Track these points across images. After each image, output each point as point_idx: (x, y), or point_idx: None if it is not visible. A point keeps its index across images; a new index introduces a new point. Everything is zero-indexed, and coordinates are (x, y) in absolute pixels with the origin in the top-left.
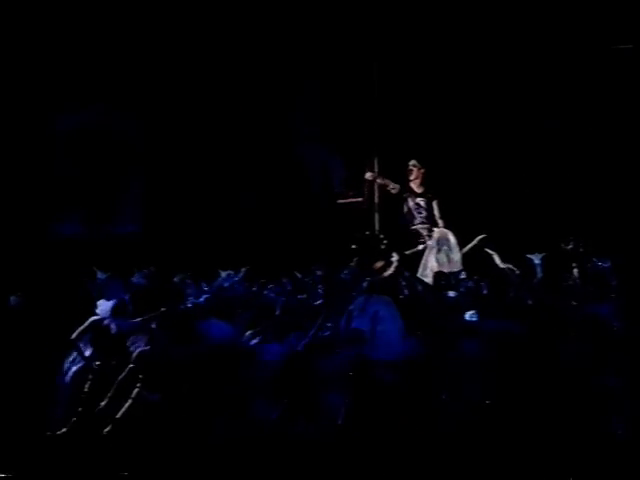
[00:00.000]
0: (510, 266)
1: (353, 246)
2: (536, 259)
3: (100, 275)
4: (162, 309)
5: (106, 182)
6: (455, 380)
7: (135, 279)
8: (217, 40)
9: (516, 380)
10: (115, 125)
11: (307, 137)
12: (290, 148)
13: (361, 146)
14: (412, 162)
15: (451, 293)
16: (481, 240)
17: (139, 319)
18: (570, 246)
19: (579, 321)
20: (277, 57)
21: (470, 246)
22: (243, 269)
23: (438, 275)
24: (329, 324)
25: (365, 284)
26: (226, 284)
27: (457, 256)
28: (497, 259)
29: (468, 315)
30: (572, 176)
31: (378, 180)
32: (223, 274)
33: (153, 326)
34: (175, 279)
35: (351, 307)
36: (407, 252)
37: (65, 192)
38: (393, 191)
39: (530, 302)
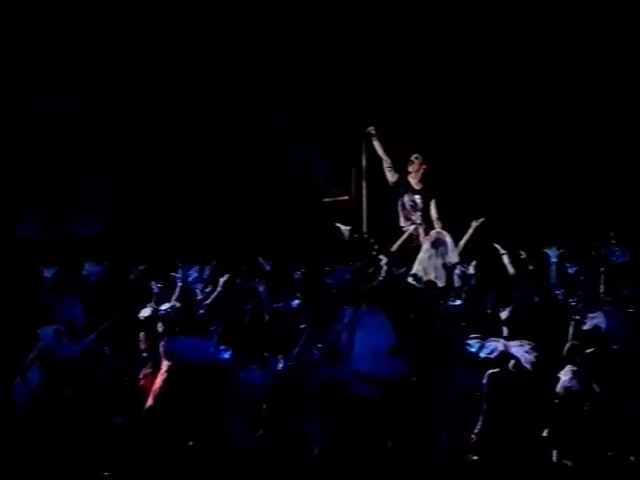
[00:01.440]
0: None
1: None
2: (553, 255)
3: (47, 274)
4: (115, 317)
5: (68, 178)
6: (449, 407)
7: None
8: (190, 24)
9: (516, 410)
10: (78, 117)
11: (289, 130)
12: (270, 142)
13: (348, 141)
14: (415, 155)
15: (451, 301)
16: (478, 228)
17: (91, 337)
18: (598, 246)
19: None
20: (256, 42)
21: (467, 237)
22: (211, 265)
23: (430, 285)
24: (315, 342)
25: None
26: (191, 279)
27: (454, 258)
28: (506, 259)
29: (451, 302)
30: (575, 173)
31: (376, 144)
32: (191, 270)
33: (106, 350)
34: (132, 276)
35: (340, 320)
36: (394, 249)
37: (24, 189)
38: (387, 171)
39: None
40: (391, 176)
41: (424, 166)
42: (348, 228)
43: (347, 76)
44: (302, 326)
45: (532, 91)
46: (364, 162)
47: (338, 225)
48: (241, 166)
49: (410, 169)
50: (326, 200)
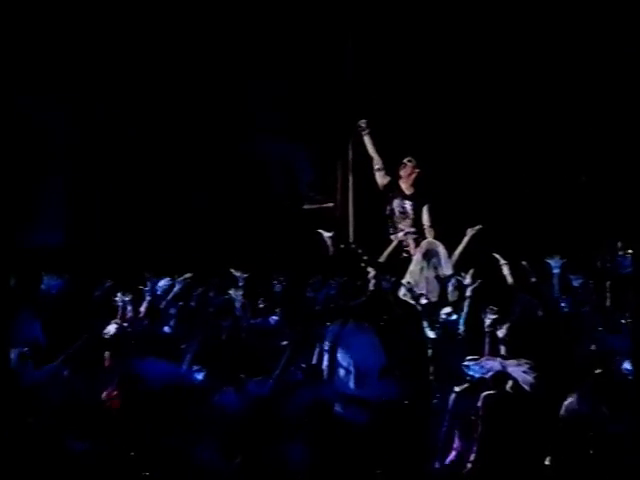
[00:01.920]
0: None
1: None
2: (555, 264)
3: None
4: (84, 338)
5: (25, 184)
6: (443, 432)
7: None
8: (157, 11)
9: (515, 435)
10: (35, 121)
11: (267, 130)
12: (247, 143)
13: (333, 141)
14: (408, 158)
15: (445, 317)
16: (475, 236)
17: (58, 361)
18: (605, 255)
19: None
20: (230, 30)
21: (462, 246)
22: (181, 278)
23: (422, 299)
24: (297, 362)
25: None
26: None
27: (448, 270)
28: (506, 270)
29: (444, 313)
30: (581, 177)
31: (367, 140)
32: (161, 282)
33: (66, 373)
34: (97, 292)
35: (324, 338)
36: (382, 260)
37: None
38: (377, 173)
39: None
40: (381, 178)
41: (417, 170)
42: (330, 234)
43: (332, 70)
44: (282, 344)
45: (532, 88)
46: (351, 165)
47: (320, 231)
48: (213, 168)
49: (402, 173)
50: (308, 207)
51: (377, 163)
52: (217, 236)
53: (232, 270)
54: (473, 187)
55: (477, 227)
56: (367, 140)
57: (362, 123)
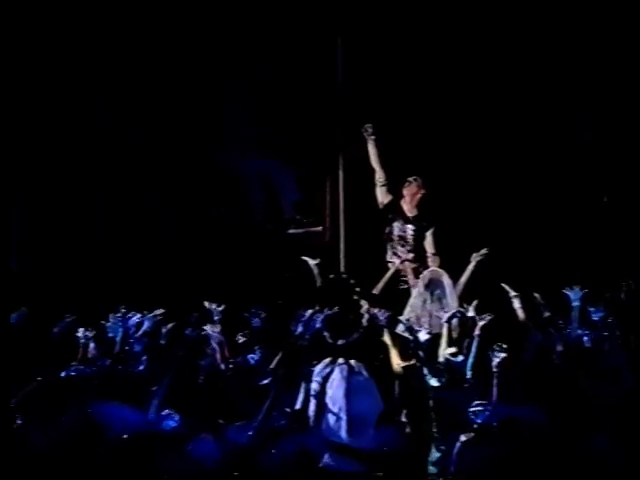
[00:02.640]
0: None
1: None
2: (574, 296)
3: None
4: (38, 382)
5: None
6: None
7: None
8: (130, 17)
9: None
10: None
11: (246, 144)
12: (222, 158)
13: (321, 156)
14: (414, 177)
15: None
16: (481, 263)
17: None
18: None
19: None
20: (208, 32)
21: (467, 274)
22: (152, 314)
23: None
24: (281, 406)
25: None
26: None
27: (453, 303)
28: (517, 304)
29: (448, 355)
30: (602, 198)
31: (371, 149)
32: (129, 318)
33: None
34: (56, 329)
35: (311, 379)
36: (378, 291)
37: None
38: (379, 189)
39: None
40: (383, 196)
41: (422, 191)
42: (316, 262)
43: (319, 75)
44: (264, 384)
45: (541, 100)
46: (342, 183)
47: (305, 259)
48: (185, 188)
49: (405, 192)
50: (293, 231)
51: (380, 177)
52: (190, 264)
53: (206, 303)
54: (481, 208)
55: (483, 252)
56: (371, 148)
57: (368, 127)
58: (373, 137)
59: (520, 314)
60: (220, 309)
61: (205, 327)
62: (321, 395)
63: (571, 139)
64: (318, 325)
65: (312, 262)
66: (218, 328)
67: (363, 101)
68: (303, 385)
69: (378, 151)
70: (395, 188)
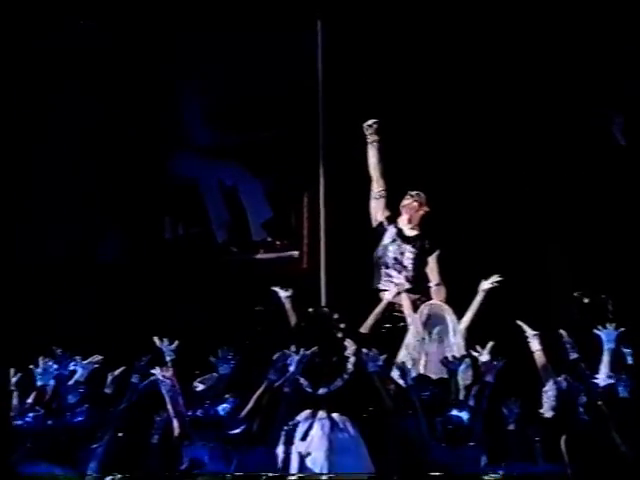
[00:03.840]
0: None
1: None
2: (608, 337)
3: None
4: None
5: None
6: None
7: None
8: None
9: None
10: None
11: (204, 149)
12: (175, 167)
13: (297, 163)
14: (416, 192)
15: (454, 410)
16: (491, 294)
17: None
18: None
19: None
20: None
21: (475, 307)
22: (88, 361)
23: (422, 383)
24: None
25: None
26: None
27: (457, 344)
28: (535, 344)
29: (456, 416)
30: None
31: (372, 152)
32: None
33: None
34: None
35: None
36: (367, 328)
37: None
38: (376, 201)
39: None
40: (379, 211)
41: (425, 208)
42: (289, 293)
43: (295, 66)
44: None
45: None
46: (322, 198)
47: (276, 290)
48: (131, 202)
49: (404, 208)
50: (263, 256)
51: (378, 187)
52: (139, 295)
53: (156, 339)
54: (495, 228)
55: (494, 279)
56: (372, 152)
57: (372, 124)
58: (377, 138)
59: (539, 357)
60: (173, 347)
61: (153, 371)
62: (300, 453)
63: (598, 152)
64: (294, 370)
65: (284, 294)
66: (170, 372)
67: (350, 96)
68: (281, 442)
69: (380, 156)
70: (394, 202)
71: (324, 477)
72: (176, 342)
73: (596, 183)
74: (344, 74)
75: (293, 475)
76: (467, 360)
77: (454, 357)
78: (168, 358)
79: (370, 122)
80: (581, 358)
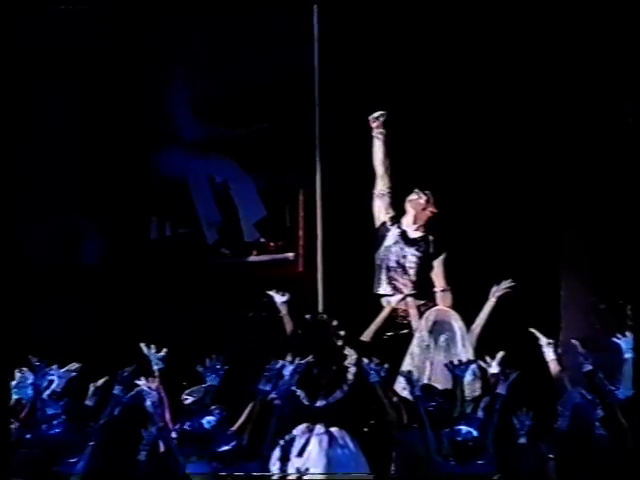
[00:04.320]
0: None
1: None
2: (627, 345)
3: None
4: None
5: None
6: None
7: None
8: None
9: None
10: None
11: (189, 141)
12: (160, 162)
13: (292, 159)
14: (426, 191)
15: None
16: (503, 300)
17: None
18: None
19: None
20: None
21: (486, 314)
22: (65, 368)
23: (428, 393)
24: None
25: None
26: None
27: (465, 353)
28: (550, 354)
29: (464, 430)
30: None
31: (378, 145)
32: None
33: None
34: None
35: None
36: (368, 337)
37: None
38: (379, 200)
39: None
40: (382, 210)
41: (431, 208)
42: (285, 298)
43: (289, 53)
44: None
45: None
46: (319, 197)
47: (271, 294)
48: (113, 200)
49: (409, 207)
50: (256, 259)
51: (383, 185)
52: (123, 300)
53: (143, 346)
54: (507, 229)
55: (506, 284)
56: (378, 146)
57: (379, 116)
58: (383, 131)
59: (554, 367)
60: (161, 355)
61: (138, 381)
62: (296, 470)
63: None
64: (288, 381)
65: (280, 299)
66: (156, 383)
67: (349, 86)
68: (276, 459)
69: (387, 151)
70: (399, 201)
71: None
72: (164, 350)
73: (613, 182)
74: (342, 63)
75: (293, 475)
76: (475, 369)
77: (460, 361)
78: (156, 367)
79: (377, 114)
80: (596, 370)
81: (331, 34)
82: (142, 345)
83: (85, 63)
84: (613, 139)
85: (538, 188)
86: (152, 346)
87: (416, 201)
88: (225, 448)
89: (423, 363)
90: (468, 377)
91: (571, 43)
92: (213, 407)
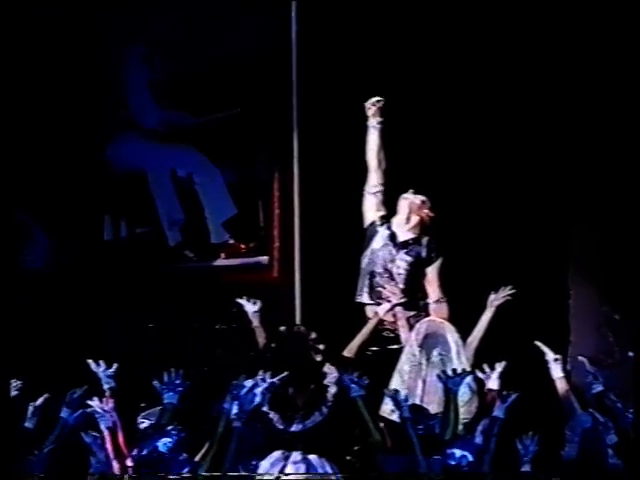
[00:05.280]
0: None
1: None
2: None
3: None
4: None
5: None
6: None
7: None
8: None
9: None
10: None
11: (149, 130)
12: (115, 152)
13: (266, 150)
14: (422, 198)
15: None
16: (504, 310)
17: None
18: None
19: None
20: None
21: (484, 325)
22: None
23: (417, 412)
24: None
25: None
26: None
27: (461, 365)
28: (557, 370)
29: (458, 454)
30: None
31: (373, 138)
32: None
33: None
34: None
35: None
36: (352, 352)
37: None
38: (371, 197)
39: None
40: (373, 208)
41: (426, 210)
42: (257, 307)
43: (262, 29)
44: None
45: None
46: (297, 193)
47: (241, 302)
48: (62, 195)
49: (402, 208)
50: (225, 263)
51: (376, 181)
52: (72, 308)
53: (91, 362)
54: (508, 232)
55: (507, 292)
56: (373, 138)
57: (376, 103)
58: (380, 120)
59: (561, 387)
60: (111, 372)
61: (90, 402)
62: None
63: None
64: (261, 402)
65: (251, 308)
66: (110, 404)
67: (332, 67)
68: None
69: (382, 142)
70: (393, 199)
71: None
72: (115, 366)
73: (629, 175)
74: (325, 39)
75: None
76: (471, 384)
77: (455, 371)
78: (106, 386)
79: (374, 99)
80: (607, 391)
81: (312, 6)
82: (90, 361)
83: (29, 44)
84: (624, 135)
85: (543, 182)
86: (101, 362)
87: (412, 200)
88: (181, 475)
89: (414, 382)
90: (464, 394)
91: (572, 29)
92: (170, 427)
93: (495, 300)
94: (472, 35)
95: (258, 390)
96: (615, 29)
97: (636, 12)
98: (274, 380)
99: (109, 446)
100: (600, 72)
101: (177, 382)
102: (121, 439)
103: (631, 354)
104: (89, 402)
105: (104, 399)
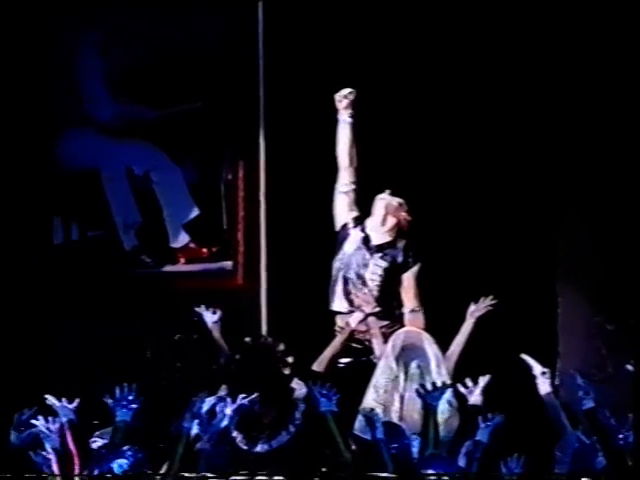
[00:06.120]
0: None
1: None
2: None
3: None
4: None
5: None
6: None
7: None
8: None
9: None
10: None
11: (102, 124)
12: (65, 148)
13: (230, 147)
14: (400, 201)
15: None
16: (486, 321)
17: None
18: None
19: None
20: None
21: (464, 336)
22: None
23: (391, 430)
24: None
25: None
26: None
27: (441, 378)
28: (545, 385)
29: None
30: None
31: (344, 133)
32: None
33: None
34: None
35: None
36: (321, 366)
37: None
38: (343, 197)
39: None
40: (345, 209)
41: (403, 213)
42: (217, 317)
43: (226, 16)
44: None
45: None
46: (263, 188)
47: (200, 312)
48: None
49: (377, 210)
50: (185, 269)
51: (347, 180)
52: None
53: (50, 398)
54: (490, 236)
55: (488, 302)
56: (344, 132)
57: (348, 95)
58: (351, 113)
59: (550, 402)
60: (73, 407)
61: (36, 421)
62: None
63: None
64: (224, 421)
65: (211, 317)
66: (58, 424)
67: (301, 58)
68: None
69: (354, 138)
70: (367, 200)
71: None
72: (77, 401)
73: (622, 175)
74: (293, 28)
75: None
76: (452, 400)
77: (434, 385)
78: (64, 419)
79: (345, 92)
80: (598, 407)
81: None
82: (49, 397)
83: None
84: (618, 135)
85: (528, 178)
86: (63, 399)
87: (388, 201)
88: None
89: (391, 397)
90: (444, 411)
91: (558, 23)
92: (126, 448)
93: (476, 311)
94: (446, 25)
95: (227, 411)
96: (603, 27)
97: (636, 12)
98: (244, 402)
99: (55, 467)
100: (593, 71)
101: (130, 398)
102: (75, 462)
103: (630, 367)
104: (33, 422)
105: (50, 418)
